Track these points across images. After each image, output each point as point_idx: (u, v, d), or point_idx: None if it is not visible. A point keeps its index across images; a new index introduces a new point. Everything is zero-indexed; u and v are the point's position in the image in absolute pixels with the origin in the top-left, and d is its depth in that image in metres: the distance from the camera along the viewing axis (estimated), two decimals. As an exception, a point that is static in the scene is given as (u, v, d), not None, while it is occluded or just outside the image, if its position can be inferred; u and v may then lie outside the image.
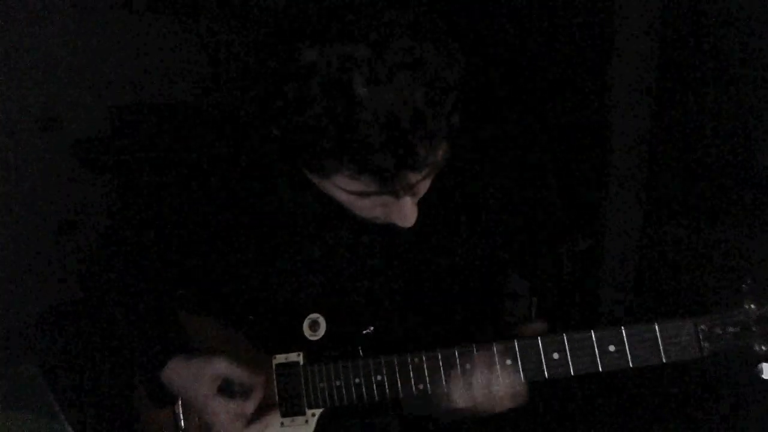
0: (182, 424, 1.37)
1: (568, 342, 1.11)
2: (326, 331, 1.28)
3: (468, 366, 1.15)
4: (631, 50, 3.04)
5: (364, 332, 1.28)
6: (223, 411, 1.23)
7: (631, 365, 1.09)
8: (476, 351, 1.15)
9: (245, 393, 1.25)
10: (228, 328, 1.37)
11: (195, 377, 1.24)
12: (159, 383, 1.28)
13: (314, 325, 1.28)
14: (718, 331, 1.05)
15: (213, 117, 3.40)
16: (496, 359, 1.14)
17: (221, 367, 1.24)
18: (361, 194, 1.05)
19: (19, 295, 3.06)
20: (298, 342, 1.29)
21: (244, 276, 1.36)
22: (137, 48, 3.27)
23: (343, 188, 1.05)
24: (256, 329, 1.34)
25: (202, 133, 3.34)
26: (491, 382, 1.14)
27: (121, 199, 3.19)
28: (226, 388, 1.25)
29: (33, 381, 1.55)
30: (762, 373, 1.05)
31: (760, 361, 1.05)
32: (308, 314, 1.29)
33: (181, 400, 1.33)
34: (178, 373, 1.26)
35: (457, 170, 1.32)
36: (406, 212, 1.09)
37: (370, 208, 1.10)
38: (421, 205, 1.14)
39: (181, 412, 1.36)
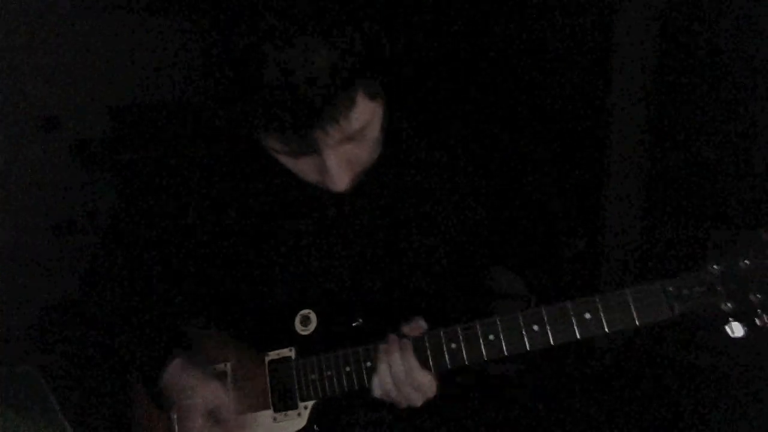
0: (176, 430, 1.37)
1: (546, 313, 1.16)
2: (317, 326, 1.30)
3: (453, 345, 1.19)
4: (631, 50, 3.04)
5: (354, 325, 1.31)
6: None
7: (607, 331, 1.13)
8: (461, 330, 1.20)
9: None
10: (222, 328, 1.39)
11: (190, 391, 1.27)
12: (157, 387, 1.30)
13: (305, 321, 1.31)
14: (686, 291, 1.10)
15: (207, 118, 3.39)
16: (480, 336, 1.17)
17: (215, 393, 1.27)
18: (289, 154, 1.12)
19: (18, 295, 3.06)
20: (290, 338, 1.31)
21: (236, 277, 1.38)
22: (137, 48, 3.27)
23: (272, 149, 1.13)
24: (247, 329, 1.36)
25: (201, 133, 3.33)
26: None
27: (120, 199, 3.20)
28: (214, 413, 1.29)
29: (33, 381, 1.55)
30: (730, 332, 1.09)
31: (727, 320, 1.09)
32: (299, 310, 1.31)
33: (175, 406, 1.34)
34: (176, 378, 1.29)
35: (439, 159, 1.35)
36: (331, 173, 1.13)
37: (308, 171, 1.16)
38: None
39: (176, 420, 1.37)
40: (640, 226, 3.20)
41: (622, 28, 3.00)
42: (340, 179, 1.14)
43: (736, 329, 1.08)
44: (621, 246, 3.19)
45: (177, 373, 1.29)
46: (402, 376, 1.20)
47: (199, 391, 1.27)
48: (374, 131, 1.16)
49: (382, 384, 1.22)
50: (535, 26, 3.24)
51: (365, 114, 1.11)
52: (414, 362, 1.20)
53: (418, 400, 1.23)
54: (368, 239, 1.35)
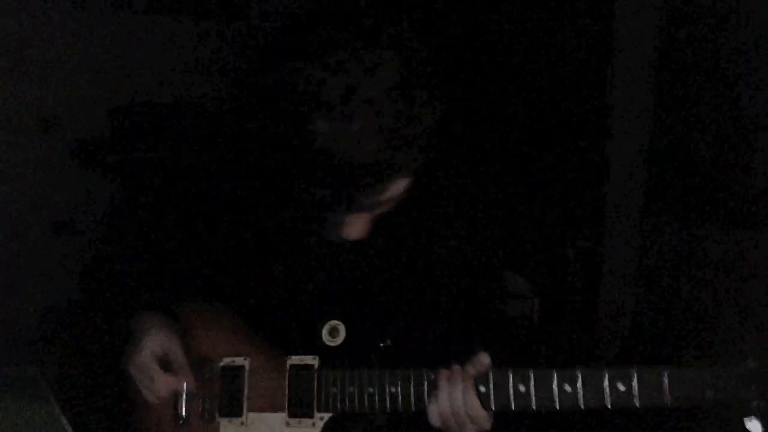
0: (183, 412, 1.37)
1: (581, 376, 1.15)
2: (344, 339, 1.29)
3: (482, 389, 1.18)
4: (631, 50, 3.04)
5: (382, 345, 1.29)
6: (144, 363, 1.29)
7: (638, 405, 1.14)
8: (492, 375, 1.19)
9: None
10: (244, 325, 1.39)
11: (153, 329, 1.31)
12: (127, 328, 1.34)
13: (333, 332, 1.30)
14: (722, 383, 1.10)
15: (216, 117, 3.39)
16: (510, 385, 1.17)
17: (171, 342, 1.30)
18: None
19: (18, 295, 3.05)
20: (314, 346, 1.30)
21: (266, 276, 1.37)
22: (137, 48, 3.26)
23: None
24: (274, 328, 1.36)
25: (206, 133, 3.34)
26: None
27: (121, 199, 3.19)
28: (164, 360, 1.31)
29: (33, 381, 1.55)
30: (748, 427, 1.10)
31: (751, 416, 1.09)
32: (329, 320, 1.30)
33: (185, 386, 1.35)
34: (147, 321, 1.33)
35: (457, 175, 1.35)
36: (350, 231, 1.15)
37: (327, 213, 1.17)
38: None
39: (183, 400, 1.37)
40: (640, 226, 3.19)
41: (622, 28, 3.00)
42: (358, 233, 1.16)
43: (756, 427, 1.10)
44: (622, 246, 3.19)
45: (151, 319, 1.34)
46: (461, 409, 1.18)
47: (161, 334, 1.30)
48: (403, 191, 1.15)
49: (441, 413, 1.20)
50: (535, 26, 3.23)
51: (402, 185, 1.11)
52: (474, 399, 1.18)
53: (471, 431, 1.22)
54: (406, 261, 1.34)
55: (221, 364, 1.35)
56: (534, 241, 3.20)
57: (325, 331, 1.30)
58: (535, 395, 1.16)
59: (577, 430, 2.55)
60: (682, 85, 2.98)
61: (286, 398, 1.30)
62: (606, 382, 1.14)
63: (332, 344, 1.29)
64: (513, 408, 1.17)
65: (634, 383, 1.13)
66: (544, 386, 1.16)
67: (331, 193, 1.03)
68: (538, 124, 3.26)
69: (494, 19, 3.30)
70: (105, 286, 1.43)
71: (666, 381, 1.12)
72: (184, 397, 1.36)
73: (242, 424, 1.32)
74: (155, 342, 1.29)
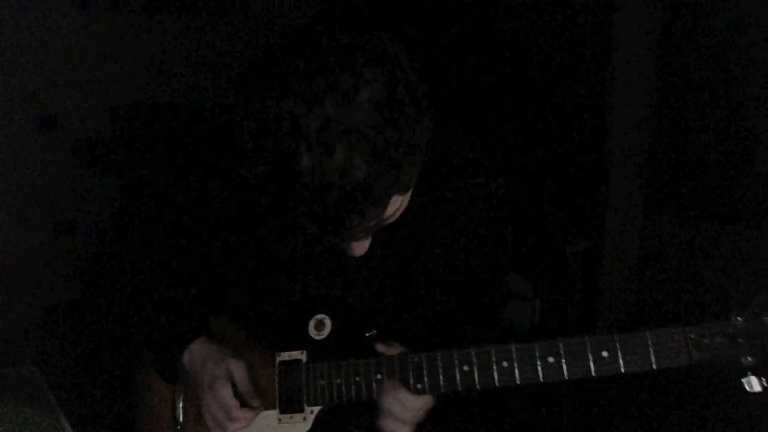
0: (180, 416, 1.37)
1: (563, 347, 1.14)
2: (331, 332, 1.30)
3: (466, 368, 1.18)
4: (631, 50, 3.04)
5: (368, 335, 1.30)
6: (225, 399, 1.26)
7: (623, 371, 1.12)
8: (474, 354, 1.19)
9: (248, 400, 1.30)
10: (233, 324, 1.40)
11: (216, 360, 1.29)
12: (175, 361, 1.32)
13: (320, 325, 1.31)
14: (707, 340, 1.08)
15: (213, 117, 3.39)
16: (494, 362, 1.17)
17: (239, 370, 1.27)
18: None
19: (18, 295, 3.05)
20: (302, 341, 1.31)
21: (251, 274, 1.38)
22: (137, 48, 3.27)
23: None
24: (261, 326, 1.36)
25: (202, 133, 3.33)
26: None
27: (121, 199, 3.20)
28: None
29: (33, 381, 1.55)
30: (747, 386, 1.08)
31: (746, 373, 1.08)
32: (315, 314, 1.31)
33: (188, 385, 1.34)
34: (200, 352, 1.30)
35: (453, 174, 1.34)
36: (353, 249, 1.14)
37: None
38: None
39: (181, 406, 1.37)
40: (640, 227, 3.19)
41: (622, 29, 3.00)
42: (362, 250, 1.15)
43: (754, 384, 1.08)
44: (621, 246, 3.19)
45: (202, 348, 1.31)
46: (403, 414, 1.22)
47: (226, 362, 1.29)
48: (401, 208, 1.13)
49: (389, 426, 1.23)
50: (535, 26, 3.23)
51: (399, 202, 1.09)
52: (406, 395, 1.20)
53: (420, 418, 1.24)
54: (388, 251, 1.34)
55: None
56: (534, 241, 3.20)
57: (311, 325, 1.31)
58: (519, 370, 1.16)
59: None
60: (682, 85, 2.98)
61: (277, 395, 1.31)
62: (589, 351, 1.13)
63: (319, 338, 1.30)
64: (497, 385, 1.17)
65: (618, 349, 1.12)
66: (526, 360, 1.16)
67: (325, 227, 1.00)
68: (538, 124, 3.26)
69: (493, 19, 3.30)
70: (141, 318, 1.41)
71: (650, 343, 1.10)
72: (182, 401, 1.37)
73: None
74: (224, 373, 1.29)
